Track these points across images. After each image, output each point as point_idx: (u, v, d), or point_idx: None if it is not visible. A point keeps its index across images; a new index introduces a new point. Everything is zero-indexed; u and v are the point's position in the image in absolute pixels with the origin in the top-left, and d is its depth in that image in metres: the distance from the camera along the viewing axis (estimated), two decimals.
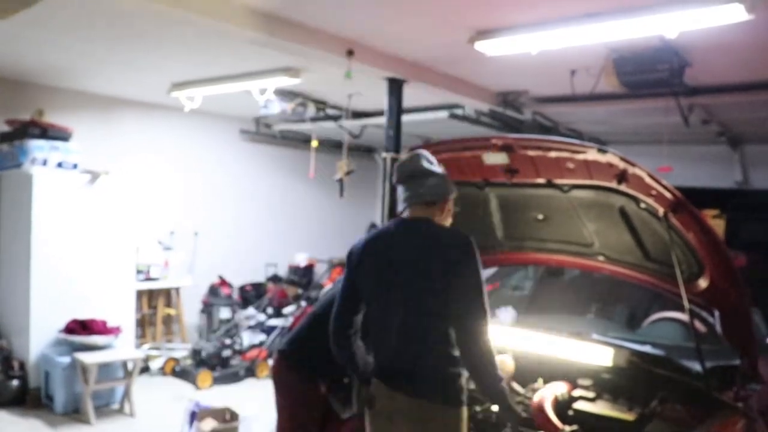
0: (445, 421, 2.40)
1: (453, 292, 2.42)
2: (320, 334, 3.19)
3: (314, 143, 7.27)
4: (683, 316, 3.14)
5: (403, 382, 2.47)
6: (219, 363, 6.74)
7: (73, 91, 6.97)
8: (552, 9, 3.89)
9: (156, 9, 3.79)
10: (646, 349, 3.12)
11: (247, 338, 7.20)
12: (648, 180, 2.69)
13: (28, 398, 5.60)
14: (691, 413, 2.68)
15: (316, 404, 3.19)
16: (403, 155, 2.81)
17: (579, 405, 2.82)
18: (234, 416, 4.76)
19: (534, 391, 2.95)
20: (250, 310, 7.58)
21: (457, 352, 2.43)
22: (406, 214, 2.63)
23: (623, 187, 2.87)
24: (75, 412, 5.47)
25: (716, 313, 2.95)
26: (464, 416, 2.43)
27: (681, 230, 2.81)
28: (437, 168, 2.66)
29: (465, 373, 2.46)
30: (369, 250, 2.65)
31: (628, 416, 2.70)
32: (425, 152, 2.68)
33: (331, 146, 8.54)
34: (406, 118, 5.78)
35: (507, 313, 3.85)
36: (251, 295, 8.47)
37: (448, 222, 2.66)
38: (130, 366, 5.65)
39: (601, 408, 2.79)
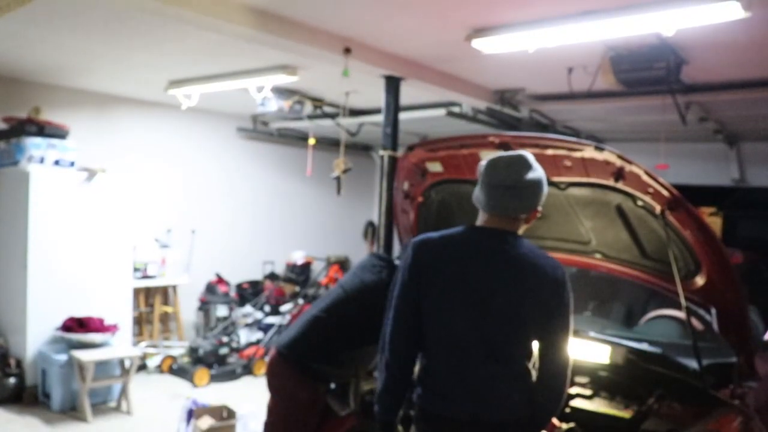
0: None
1: (534, 333, 2.18)
2: (323, 339, 3.16)
3: (311, 141, 7.26)
4: (680, 314, 3.15)
5: None
6: (216, 361, 6.74)
7: (69, 88, 6.96)
8: (549, 7, 3.89)
9: (153, 6, 3.78)
10: (643, 346, 3.12)
11: (245, 336, 7.21)
12: (645, 177, 2.69)
13: (25, 396, 5.59)
14: (688, 411, 2.68)
15: (313, 410, 3.14)
16: (487, 155, 2.38)
17: (576, 402, 2.82)
18: (231, 414, 4.76)
19: None
20: (248, 308, 7.59)
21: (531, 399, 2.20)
22: (482, 222, 2.28)
23: (620, 185, 2.88)
24: (72, 410, 5.47)
25: (713, 311, 2.96)
26: None
27: (678, 228, 2.82)
28: (538, 173, 2.24)
29: None
30: (440, 255, 2.25)
31: (625, 414, 2.71)
32: (529, 157, 2.26)
33: (329, 144, 8.53)
34: (403, 115, 5.78)
35: None
36: (248, 292, 8.47)
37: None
38: (127, 364, 5.65)
39: (598, 405, 2.79)
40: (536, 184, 2.22)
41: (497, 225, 2.24)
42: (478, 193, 2.28)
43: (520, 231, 2.27)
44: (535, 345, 2.22)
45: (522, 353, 2.19)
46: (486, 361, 2.15)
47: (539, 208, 2.26)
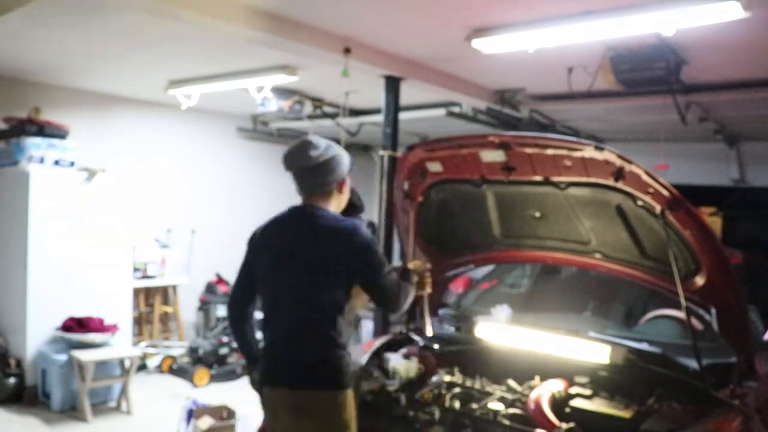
0: (325, 407, 2.49)
1: (342, 276, 2.53)
2: None
3: None
4: (680, 314, 3.14)
5: (285, 373, 2.56)
6: (216, 361, 6.74)
7: (69, 88, 6.96)
8: (549, 7, 3.89)
9: (153, 6, 3.79)
10: (643, 346, 3.12)
11: None
12: (645, 177, 2.69)
13: (25, 396, 5.60)
14: (688, 411, 2.68)
15: None
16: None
17: (576, 402, 2.82)
18: (231, 414, 4.77)
19: (531, 388, 2.96)
20: None
21: (339, 337, 2.52)
22: (301, 202, 2.75)
23: (620, 185, 2.87)
24: (72, 410, 5.47)
25: (713, 311, 2.95)
26: (347, 399, 2.53)
27: (678, 228, 2.81)
28: (328, 152, 2.67)
29: (348, 357, 2.58)
30: (266, 234, 2.74)
31: (625, 414, 2.70)
32: (313, 139, 2.69)
33: None
34: (403, 115, 5.78)
35: (502, 311, 3.86)
36: None
37: (345, 197, 2.79)
38: (127, 364, 5.65)
39: (597, 405, 2.79)
40: (322, 163, 2.63)
41: (308, 201, 2.70)
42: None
43: (338, 200, 2.74)
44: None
45: (324, 300, 2.52)
46: (294, 307, 2.57)
47: (344, 178, 2.73)
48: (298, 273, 2.56)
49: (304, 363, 2.52)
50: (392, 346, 3.49)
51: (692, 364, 2.84)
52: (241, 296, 2.80)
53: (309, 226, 2.61)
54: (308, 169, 2.64)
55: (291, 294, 2.58)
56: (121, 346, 5.87)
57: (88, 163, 6.09)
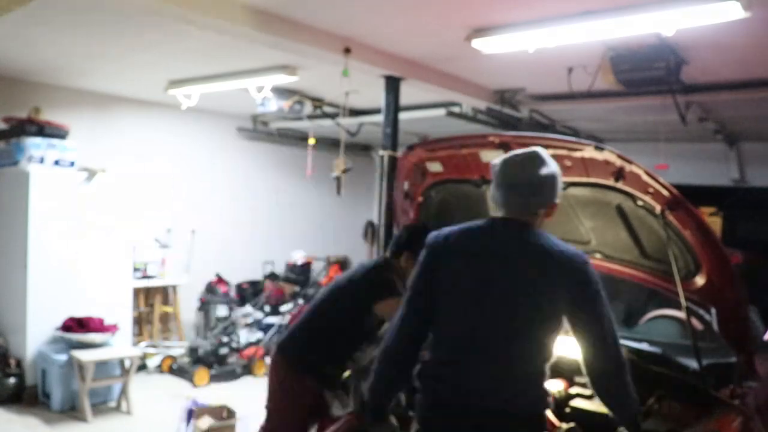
0: None
1: (560, 315, 2.13)
2: (322, 339, 3.21)
3: (311, 141, 7.26)
4: (680, 314, 3.14)
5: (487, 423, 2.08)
6: (216, 361, 6.74)
7: (69, 88, 6.95)
8: (549, 7, 3.89)
9: (153, 6, 3.79)
10: (643, 346, 3.12)
11: (244, 336, 7.21)
12: (645, 177, 2.69)
13: (25, 396, 5.59)
14: (688, 411, 2.68)
15: (303, 399, 3.18)
16: (489, 155, 2.56)
17: (576, 402, 2.82)
18: (231, 414, 4.76)
19: None
20: (248, 308, 7.58)
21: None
22: (501, 214, 2.25)
23: (620, 185, 2.87)
24: (72, 410, 5.47)
25: (713, 311, 2.95)
26: None
27: (678, 228, 2.81)
28: (552, 167, 2.23)
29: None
30: (456, 247, 2.21)
31: None
32: (542, 152, 2.24)
33: (329, 144, 8.53)
34: (403, 115, 5.78)
35: None
36: (248, 292, 8.47)
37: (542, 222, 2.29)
38: (127, 364, 5.65)
39: (597, 405, 2.78)
40: (551, 180, 2.21)
41: (513, 216, 2.23)
42: (494, 193, 2.25)
43: (537, 223, 2.26)
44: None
45: (536, 343, 2.13)
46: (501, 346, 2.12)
47: (557, 201, 2.26)
48: (507, 304, 2.11)
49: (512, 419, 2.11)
50: None
51: (692, 364, 2.84)
52: (410, 340, 2.23)
53: (525, 245, 2.17)
54: (529, 185, 2.18)
55: (496, 330, 2.12)
56: (121, 346, 5.87)
57: (88, 163, 6.09)
